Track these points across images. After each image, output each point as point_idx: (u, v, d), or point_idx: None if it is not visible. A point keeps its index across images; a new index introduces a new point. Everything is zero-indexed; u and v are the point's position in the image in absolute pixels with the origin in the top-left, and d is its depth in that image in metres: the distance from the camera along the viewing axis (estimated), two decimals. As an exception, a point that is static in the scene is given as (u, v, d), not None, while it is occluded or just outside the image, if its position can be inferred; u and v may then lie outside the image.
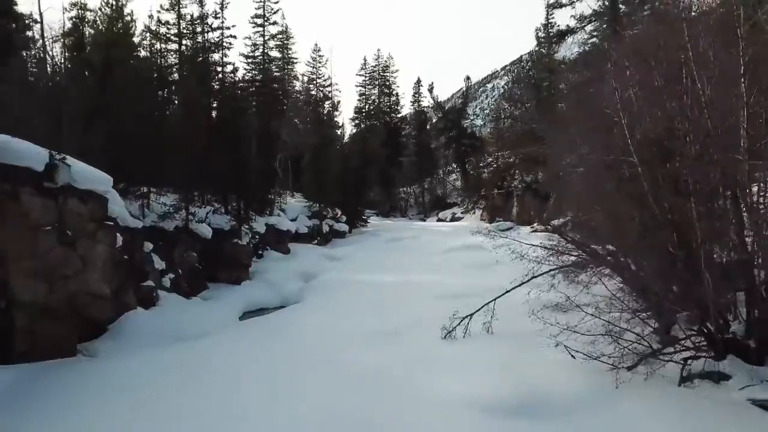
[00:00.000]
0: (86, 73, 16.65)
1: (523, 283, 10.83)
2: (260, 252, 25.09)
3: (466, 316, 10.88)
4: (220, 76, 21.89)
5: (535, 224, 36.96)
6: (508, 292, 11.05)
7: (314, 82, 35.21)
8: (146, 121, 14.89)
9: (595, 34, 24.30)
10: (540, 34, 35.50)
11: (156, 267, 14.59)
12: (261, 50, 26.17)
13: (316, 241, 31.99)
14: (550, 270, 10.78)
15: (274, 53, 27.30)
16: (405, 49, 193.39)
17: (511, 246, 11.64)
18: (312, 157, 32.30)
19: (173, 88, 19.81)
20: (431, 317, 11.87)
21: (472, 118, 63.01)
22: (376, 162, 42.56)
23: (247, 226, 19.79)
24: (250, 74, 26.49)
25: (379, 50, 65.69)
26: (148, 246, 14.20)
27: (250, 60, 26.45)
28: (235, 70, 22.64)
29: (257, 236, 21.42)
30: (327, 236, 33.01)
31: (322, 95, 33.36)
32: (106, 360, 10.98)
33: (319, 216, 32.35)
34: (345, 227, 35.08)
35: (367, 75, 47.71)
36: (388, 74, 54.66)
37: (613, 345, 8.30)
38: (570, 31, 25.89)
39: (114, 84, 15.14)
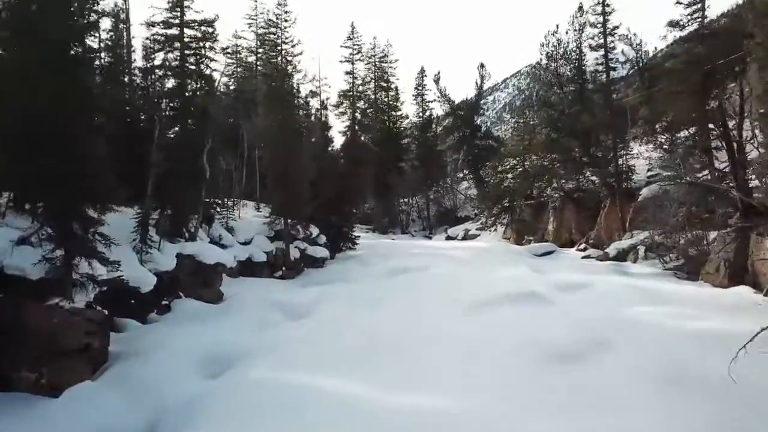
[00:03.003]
0: None
1: None
2: (166, 302, 15.04)
3: None
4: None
5: (584, 245, 27.22)
6: None
7: (277, 48, 25.40)
8: None
9: None
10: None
11: None
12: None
13: (280, 273, 22.29)
14: None
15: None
16: (404, 59, 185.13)
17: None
18: (273, 154, 22.43)
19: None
20: None
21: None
22: (369, 165, 33.19)
23: (85, 273, 9.53)
24: (162, 15, 16.86)
25: (375, 38, 55.89)
26: None
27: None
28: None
29: (117, 280, 10.61)
30: (298, 265, 23.39)
31: (287, 64, 23.43)
32: None
33: (285, 237, 22.60)
34: (324, 252, 25.62)
35: (355, 48, 37.87)
36: (386, 65, 45.44)
37: None
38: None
39: None
